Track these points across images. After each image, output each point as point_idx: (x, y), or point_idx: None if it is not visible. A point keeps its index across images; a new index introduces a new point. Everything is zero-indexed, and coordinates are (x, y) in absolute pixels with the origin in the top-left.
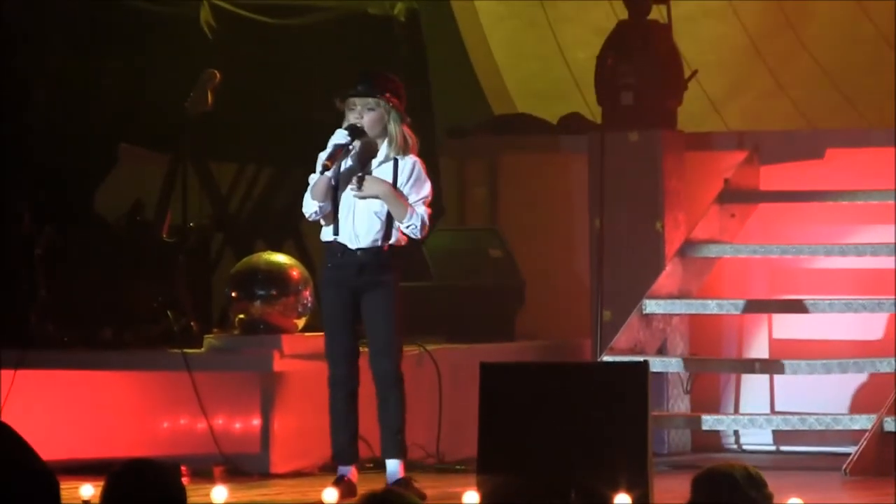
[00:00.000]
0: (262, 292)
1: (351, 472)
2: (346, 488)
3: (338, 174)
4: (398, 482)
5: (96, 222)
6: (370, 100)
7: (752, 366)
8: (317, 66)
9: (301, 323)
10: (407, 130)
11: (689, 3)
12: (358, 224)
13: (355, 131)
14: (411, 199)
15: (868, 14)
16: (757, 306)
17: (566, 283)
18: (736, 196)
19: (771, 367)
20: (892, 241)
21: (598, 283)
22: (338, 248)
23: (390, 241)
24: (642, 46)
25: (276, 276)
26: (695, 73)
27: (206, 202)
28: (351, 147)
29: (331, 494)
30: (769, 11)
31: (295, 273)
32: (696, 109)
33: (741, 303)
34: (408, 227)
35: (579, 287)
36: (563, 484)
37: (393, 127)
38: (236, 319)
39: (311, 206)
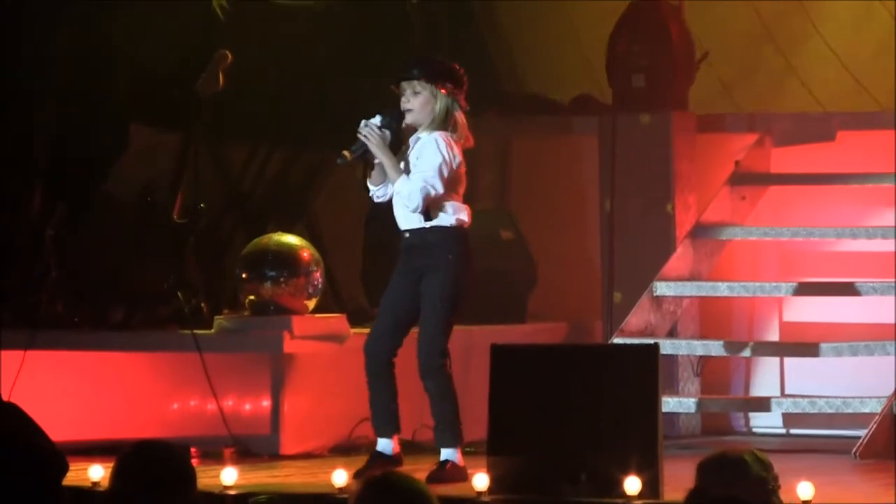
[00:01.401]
0: (272, 273)
1: (389, 444)
2: (379, 469)
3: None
4: (443, 463)
5: (107, 203)
6: (416, 83)
7: (750, 349)
8: (330, 46)
9: (311, 304)
10: (461, 117)
11: None
12: (398, 206)
13: (392, 114)
14: (415, 167)
15: None
16: (767, 289)
17: (577, 265)
18: (747, 178)
19: (780, 349)
20: None
21: (608, 265)
22: (399, 231)
23: (433, 222)
24: (654, 28)
25: (287, 257)
26: (706, 54)
27: (217, 183)
28: (381, 129)
29: (340, 476)
30: None
31: (305, 254)
32: (708, 92)
33: (751, 285)
34: (397, 193)
35: (590, 269)
36: (573, 466)
37: (438, 107)
38: (246, 301)
39: (371, 190)
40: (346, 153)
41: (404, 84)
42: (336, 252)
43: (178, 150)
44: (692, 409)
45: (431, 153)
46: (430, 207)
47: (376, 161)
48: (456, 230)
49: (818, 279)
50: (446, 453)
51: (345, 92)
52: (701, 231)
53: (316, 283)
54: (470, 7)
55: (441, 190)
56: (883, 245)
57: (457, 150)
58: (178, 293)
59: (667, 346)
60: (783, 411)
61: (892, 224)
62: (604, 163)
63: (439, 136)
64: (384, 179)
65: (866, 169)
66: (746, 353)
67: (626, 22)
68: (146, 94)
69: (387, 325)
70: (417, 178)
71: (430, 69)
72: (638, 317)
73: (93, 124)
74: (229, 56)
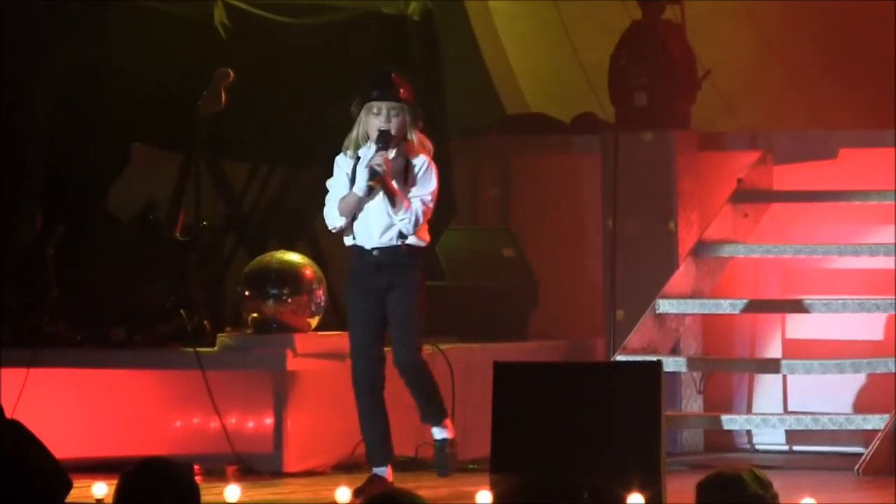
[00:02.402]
0: (274, 291)
1: (386, 472)
2: (379, 488)
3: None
4: (442, 443)
5: (109, 222)
6: (395, 104)
7: (763, 366)
8: (330, 65)
9: (314, 322)
10: (420, 133)
11: (702, 2)
12: (372, 224)
13: (387, 138)
14: (412, 192)
15: (881, 15)
16: (769, 306)
17: (579, 283)
18: (749, 196)
19: (783, 367)
20: None
21: (611, 283)
22: (356, 250)
23: (407, 241)
24: (656, 47)
25: (289, 275)
26: (708, 72)
27: (219, 201)
28: (390, 156)
29: (343, 494)
30: (783, 11)
31: (308, 272)
32: (710, 109)
33: (754, 302)
34: (401, 220)
35: (592, 287)
36: (575, 484)
37: (411, 129)
38: (249, 318)
39: (337, 220)
40: (372, 184)
41: (382, 104)
42: (338, 269)
43: (179, 169)
44: (695, 426)
45: (429, 180)
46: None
47: (366, 190)
48: (424, 249)
49: (819, 297)
50: (443, 431)
51: (346, 110)
52: (703, 249)
53: (318, 300)
54: (470, 26)
55: (430, 214)
56: (885, 262)
57: None
58: (181, 311)
59: (669, 364)
60: (786, 428)
61: (895, 241)
62: (606, 181)
63: (432, 165)
64: (355, 213)
65: (869, 186)
66: (749, 370)
67: (627, 41)
68: (147, 112)
69: (372, 349)
70: (419, 204)
71: (402, 88)
72: (640, 334)
73: (93, 142)
74: (231, 74)
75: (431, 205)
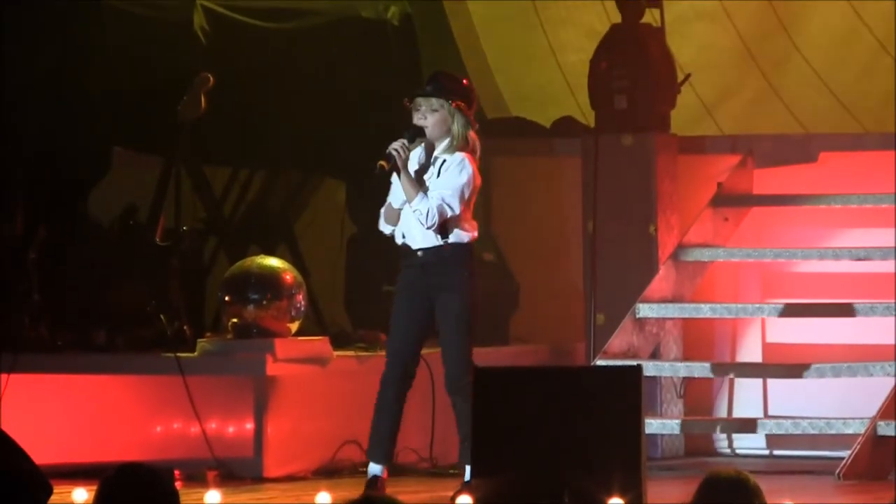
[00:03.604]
0: (255, 296)
1: (381, 471)
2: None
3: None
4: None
5: (90, 226)
6: (434, 101)
7: (733, 370)
8: (310, 69)
9: (294, 327)
10: (473, 136)
11: (682, 6)
12: (413, 224)
13: (412, 130)
14: (433, 185)
15: (862, 17)
16: (750, 311)
17: (560, 287)
18: (729, 200)
19: (763, 371)
20: (886, 244)
21: (591, 287)
22: (405, 249)
23: (450, 240)
24: (636, 50)
25: (269, 280)
26: (688, 76)
27: (199, 206)
28: (409, 147)
29: (324, 498)
30: (762, 14)
31: (288, 277)
32: (690, 113)
33: (734, 306)
34: (414, 211)
35: (573, 291)
36: (556, 488)
37: (456, 129)
38: (229, 323)
39: (384, 227)
40: (382, 164)
41: (420, 100)
42: (318, 275)
43: (160, 173)
44: (675, 431)
45: (455, 174)
46: (447, 225)
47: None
48: (468, 246)
49: (801, 300)
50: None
51: (325, 114)
52: (683, 252)
53: (299, 305)
54: (450, 30)
55: (458, 211)
56: (866, 266)
57: (476, 172)
58: (161, 316)
59: (650, 368)
60: (766, 432)
61: (875, 244)
62: (586, 184)
63: (466, 159)
64: (398, 219)
65: (849, 190)
66: (729, 374)
67: (607, 44)
68: (128, 116)
69: (406, 350)
70: (436, 197)
71: (446, 86)
72: (621, 339)
73: (74, 146)
74: (211, 79)
75: (453, 201)
